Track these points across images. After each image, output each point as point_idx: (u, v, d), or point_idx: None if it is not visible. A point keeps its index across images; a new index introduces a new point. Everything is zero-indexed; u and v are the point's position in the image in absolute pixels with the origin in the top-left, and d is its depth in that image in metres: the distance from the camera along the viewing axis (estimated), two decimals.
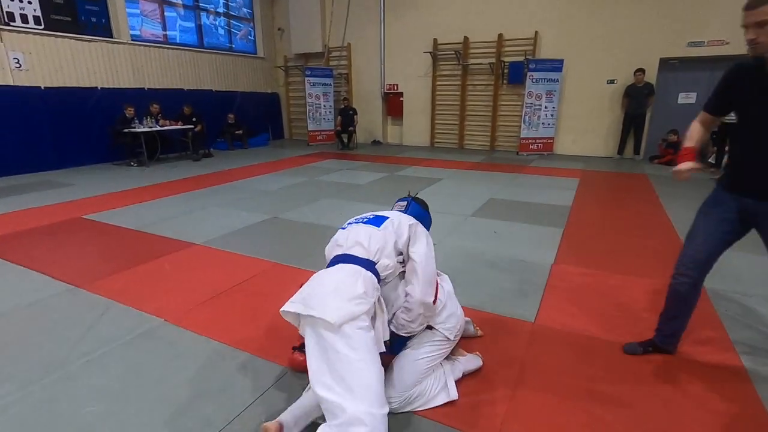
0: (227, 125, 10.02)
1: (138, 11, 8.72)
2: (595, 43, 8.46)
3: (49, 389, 1.86)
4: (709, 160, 7.62)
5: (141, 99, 8.25)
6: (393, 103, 11.06)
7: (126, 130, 7.52)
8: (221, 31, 10.75)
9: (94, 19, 7.81)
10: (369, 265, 1.59)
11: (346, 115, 10.15)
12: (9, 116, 6.80)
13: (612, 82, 8.56)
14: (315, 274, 1.63)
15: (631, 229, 4.11)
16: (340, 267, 1.58)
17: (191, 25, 9.91)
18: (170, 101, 8.75)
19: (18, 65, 6.89)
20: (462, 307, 1.94)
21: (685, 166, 1.83)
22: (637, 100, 8.14)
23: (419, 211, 1.92)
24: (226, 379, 1.93)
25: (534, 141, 9.17)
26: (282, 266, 3.20)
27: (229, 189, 5.93)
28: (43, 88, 7.22)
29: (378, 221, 1.72)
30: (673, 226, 4.16)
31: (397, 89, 10.77)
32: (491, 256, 3.39)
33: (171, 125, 8.23)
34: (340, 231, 1.76)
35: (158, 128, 7.90)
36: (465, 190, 5.84)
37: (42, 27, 7.06)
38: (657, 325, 2.13)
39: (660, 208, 4.87)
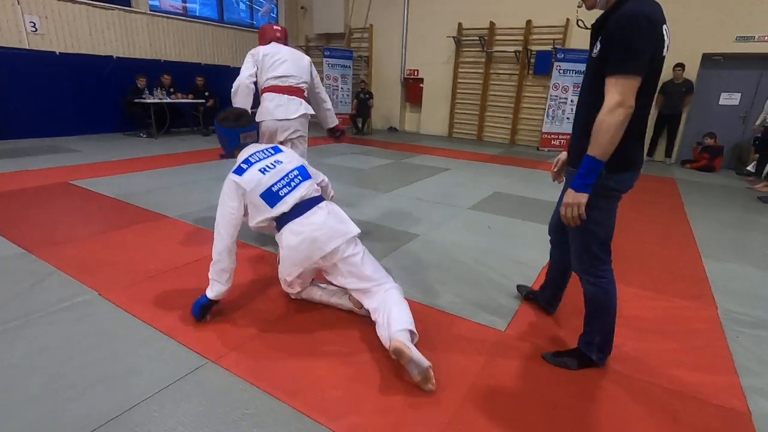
0: None
1: None
2: None
3: None
4: (748, 168, 6.96)
5: (156, 71, 8.20)
6: (413, 90, 10.68)
7: (136, 101, 7.50)
8: (243, 7, 10.59)
9: None
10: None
11: (362, 99, 9.85)
12: (23, 80, 6.85)
13: None
14: (301, 225, 1.98)
15: (646, 235, 3.69)
16: (317, 210, 2.04)
17: None
18: (186, 75, 8.68)
19: (34, 29, 6.92)
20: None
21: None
22: (673, 98, 7.49)
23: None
24: (139, 363, 1.72)
25: (557, 137, 8.63)
26: (249, 246, 2.98)
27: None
28: (58, 53, 7.24)
29: (303, 174, 2.14)
30: (693, 236, 3.72)
31: (418, 75, 10.38)
32: (478, 253, 3.08)
33: (182, 98, 8.16)
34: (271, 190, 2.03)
35: (168, 100, 7.83)
36: (470, 182, 5.48)
37: None
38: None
39: (683, 216, 4.39)
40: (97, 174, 4.83)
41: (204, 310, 2.01)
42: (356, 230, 2.02)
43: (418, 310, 2.25)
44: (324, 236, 1.94)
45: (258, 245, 3.03)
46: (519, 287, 2.50)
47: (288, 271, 2.04)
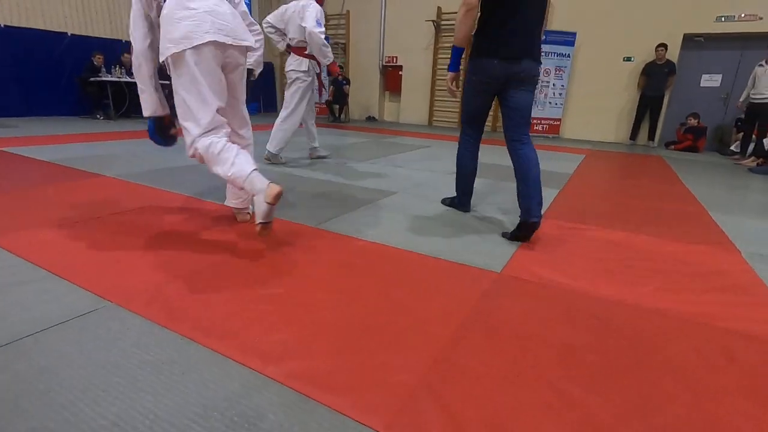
0: None
1: None
2: (611, 15, 7.67)
3: None
4: (732, 148, 6.83)
5: (117, 51, 7.60)
6: (391, 78, 10.33)
7: (92, 79, 6.89)
8: None
9: None
10: None
11: (339, 86, 9.45)
12: None
13: (629, 59, 7.76)
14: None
15: (644, 195, 3.39)
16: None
17: None
18: None
19: None
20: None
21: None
22: (655, 79, 7.32)
23: None
24: (6, 306, 1.25)
25: (539, 121, 8.40)
26: (192, 199, 2.52)
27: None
28: (2, 26, 6.60)
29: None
30: (693, 196, 3.42)
31: (396, 62, 10.05)
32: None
33: None
34: None
35: (128, 79, 7.24)
36: (452, 155, 5.11)
37: None
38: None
39: (677, 180, 4.12)
40: (34, 144, 4.26)
41: (153, 130, 1.96)
42: (251, 41, 1.81)
43: (398, 254, 1.85)
44: (215, 24, 1.63)
45: (217, 201, 2.57)
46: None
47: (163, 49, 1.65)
